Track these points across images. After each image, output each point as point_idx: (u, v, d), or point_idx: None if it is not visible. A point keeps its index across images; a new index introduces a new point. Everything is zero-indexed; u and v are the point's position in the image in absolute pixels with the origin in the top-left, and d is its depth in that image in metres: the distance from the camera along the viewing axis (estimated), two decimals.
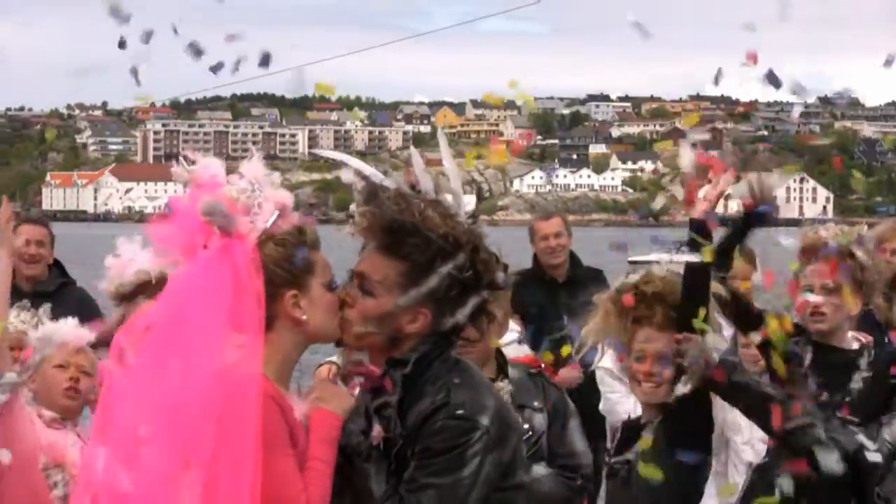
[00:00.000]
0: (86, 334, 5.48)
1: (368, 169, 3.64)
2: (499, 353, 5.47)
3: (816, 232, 5.71)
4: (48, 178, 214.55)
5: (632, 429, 4.81)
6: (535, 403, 5.43)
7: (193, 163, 3.55)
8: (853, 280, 5.52)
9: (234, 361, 3.32)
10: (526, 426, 5.18)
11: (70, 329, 5.48)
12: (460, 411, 3.46)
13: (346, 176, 3.65)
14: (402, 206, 3.52)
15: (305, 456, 3.45)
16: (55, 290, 7.85)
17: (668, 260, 4.76)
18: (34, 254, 7.93)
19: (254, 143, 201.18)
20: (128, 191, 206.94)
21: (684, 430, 4.63)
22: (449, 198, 3.62)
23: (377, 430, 3.51)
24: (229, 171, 3.56)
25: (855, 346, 5.69)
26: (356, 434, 3.54)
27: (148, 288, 5.78)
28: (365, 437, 3.53)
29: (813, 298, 5.49)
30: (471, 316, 3.58)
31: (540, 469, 5.30)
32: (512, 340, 6.63)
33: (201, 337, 3.36)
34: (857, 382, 5.52)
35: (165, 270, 5.62)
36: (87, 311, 7.39)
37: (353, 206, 3.61)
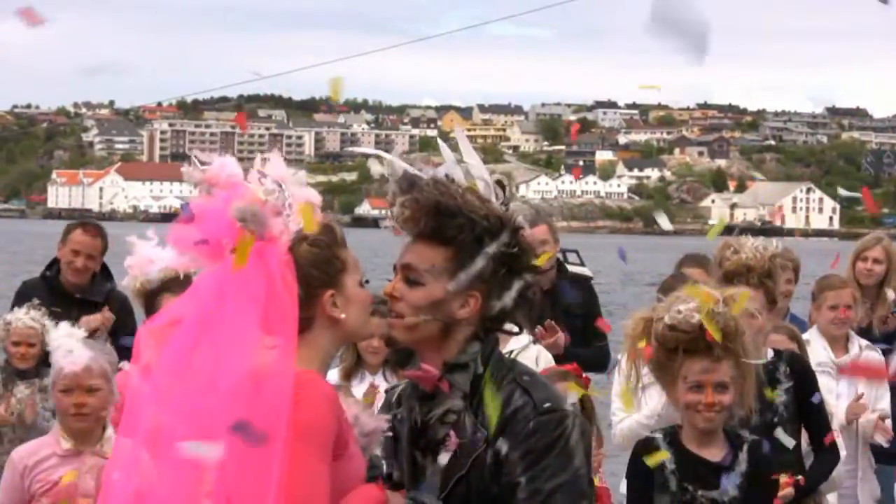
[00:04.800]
0: (84, 354, 5.44)
1: (403, 164, 3.61)
2: None
3: (737, 253, 5.93)
4: (54, 175, 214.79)
5: (707, 465, 4.92)
6: None
7: (205, 163, 3.44)
8: (768, 298, 5.87)
9: (266, 363, 3.26)
10: None
11: (63, 353, 5.49)
12: (547, 404, 3.45)
13: (376, 168, 3.65)
14: (442, 190, 3.51)
15: (350, 464, 3.39)
16: (104, 300, 8.06)
17: None
18: (80, 267, 8.02)
19: (260, 144, 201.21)
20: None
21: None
22: (481, 185, 3.60)
23: (453, 437, 3.46)
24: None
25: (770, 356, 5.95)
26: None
27: (174, 284, 5.70)
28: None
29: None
30: (515, 302, 3.55)
31: None
32: (527, 343, 6.56)
33: (232, 339, 3.28)
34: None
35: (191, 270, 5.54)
36: (125, 317, 7.97)
37: (391, 201, 3.57)
